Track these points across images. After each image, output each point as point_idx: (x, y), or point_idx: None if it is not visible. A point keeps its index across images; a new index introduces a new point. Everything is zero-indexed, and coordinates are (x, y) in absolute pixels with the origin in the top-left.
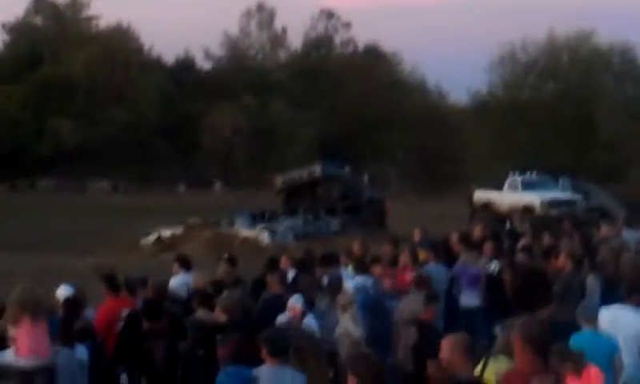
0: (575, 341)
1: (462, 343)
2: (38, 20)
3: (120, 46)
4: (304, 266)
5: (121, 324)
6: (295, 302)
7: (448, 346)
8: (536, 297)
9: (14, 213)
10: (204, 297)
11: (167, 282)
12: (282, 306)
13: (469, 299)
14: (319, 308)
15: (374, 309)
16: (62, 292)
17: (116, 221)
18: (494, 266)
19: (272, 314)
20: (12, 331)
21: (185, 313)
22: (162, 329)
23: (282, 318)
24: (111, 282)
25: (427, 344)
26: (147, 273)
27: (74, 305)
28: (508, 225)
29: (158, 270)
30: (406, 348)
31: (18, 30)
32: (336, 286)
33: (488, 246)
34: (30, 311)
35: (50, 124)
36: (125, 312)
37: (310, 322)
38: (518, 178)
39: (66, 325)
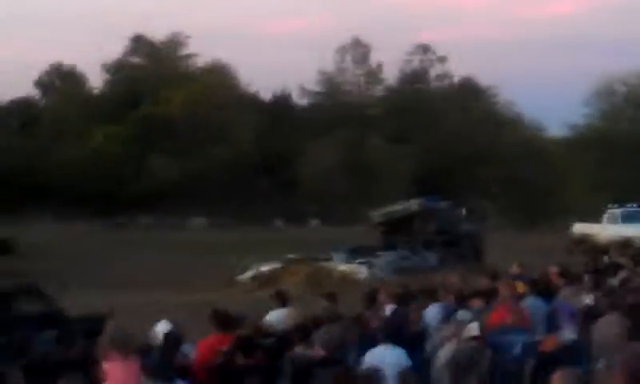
0: None
1: (575, 378)
2: (137, 59)
3: (218, 83)
4: (403, 300)
5: (219, 360)
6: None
7: (562, 380)
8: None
9: (114, 250)
10: (304, 332)
11: (262, 318)
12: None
13: (568, 334)
14: (433, 341)
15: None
16: (161, 328)
17: (214, 257)
18: (589, 300)
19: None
20: (104, 366)
21: (281, 347)
22: (258, 364)
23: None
24: (221, 319)
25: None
26: (244, 309)
27: (173, 340)
28: (607, 258)
29: (256, 306)
30: None
31: (118, 70)
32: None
33: (587, 280)
34: (119, 347)
35: (149, 162)
36: (223, 348)
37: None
38: (618, 211)
39: (165, 360)
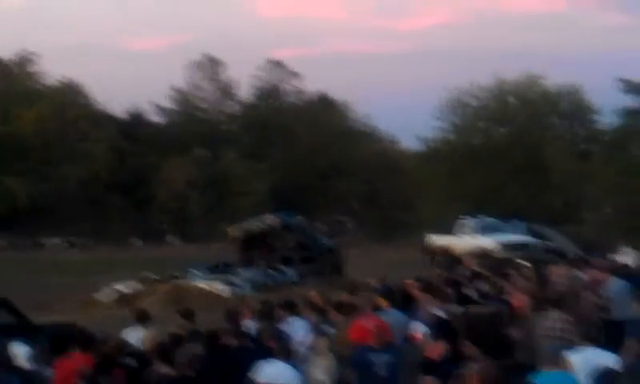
0: (542, 382)
1: None
2: None
3: (69, 101)
4: (265, 316)
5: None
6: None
7: None
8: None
9: None
10: (162, 350)
11: (123, 337)
12: (244, 358)
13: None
14: (300, 357)
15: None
16: (19, 350)
17: (72, 277)
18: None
19: (236, 366)
20: None
21: (142, 366)
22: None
23: None
24: (84, 338)
25: None
26: (104, 328)
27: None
28: (462, 268)
29: (115, 326)
30: None
31: None
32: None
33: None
34: None
35: (1, 182)
36: (83, 368)
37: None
38: (472, 222)
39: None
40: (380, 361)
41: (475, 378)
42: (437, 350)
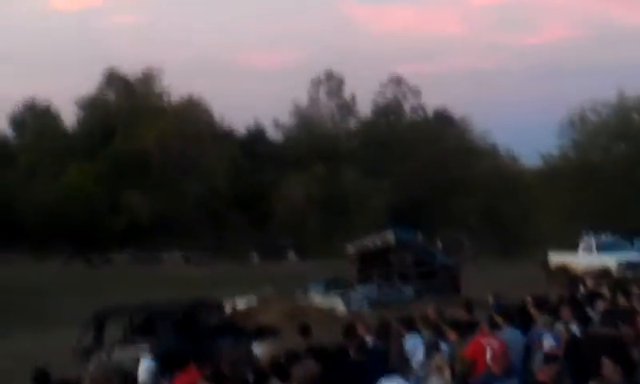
0: None
1: None
2: (110, 95)
3: (191, 118)
4: (382, 333)
5: None
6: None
7: None
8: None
9: (89, 288)
10: (278, 366)
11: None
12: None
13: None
14: (417, 374)
15: None
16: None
17: (189, 292)
18: (575, 330)
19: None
20: None
21: (258, 381)
22: None
23: None
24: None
25: None
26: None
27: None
28: (582, 288)
29: None
30: None
31: (91, 106)
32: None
33: (565, 311)
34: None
35: (123, 198)
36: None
37: None
38: (593, 240)
39: None
40: None
41: None
42: (548, 372)
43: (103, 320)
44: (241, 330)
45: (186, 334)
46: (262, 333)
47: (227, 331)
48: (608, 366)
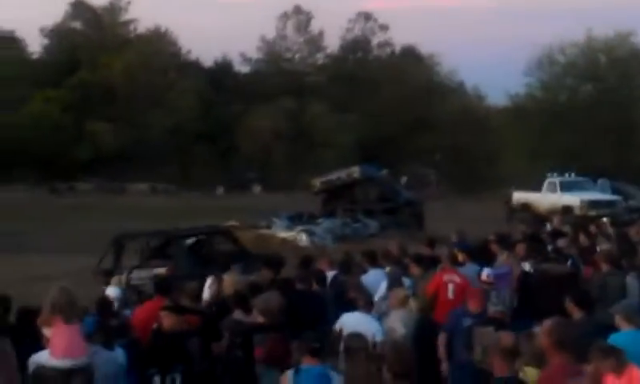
0: (616, 341)
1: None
2: (77, 24)
3: (158, 49)
4: (344, 267)
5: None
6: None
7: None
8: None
9: (53, 215)
10: (240, 298)
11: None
12: (320, 304)
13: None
14: (380, 308)
15: None
16: (110, 292)
17: (155, 223)
18: (529, 267)
19: (310, 311)
20: (46, 332)
21: (221, 313)
22: (193, 330)
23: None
24: (162, 284)
25: None
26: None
27: (105, 305)
28: (549, 226)
29: None
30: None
31: (57, 35)
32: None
33: (521, 247)
34: (62, 313)
35: (89, 128)
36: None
37: (348, 319)
38: (557, 180)
39: (101, 326)
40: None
41: (547, 334)
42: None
43: (122, 244)
44: (253, 257)
45: (200, 258)
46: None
47: (239, 257)
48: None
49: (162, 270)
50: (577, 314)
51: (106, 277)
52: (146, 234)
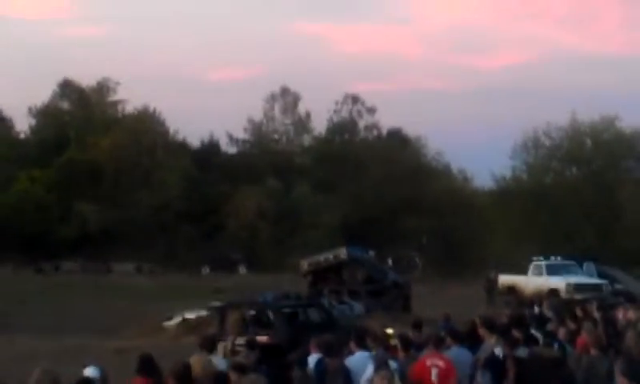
0: None
1: None
2: (65, 104)
3: (146, 129)
4: (328, 349)
5: None
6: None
7: None
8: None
9: (39, 295)
10: (224, 381)
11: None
12: None
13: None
14: None
15: None
16: (89, 373)
17: (140, 303)
18: (498, 352)
19: None
20: None
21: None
22: None
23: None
24: (145, 364)
25: None
26: (170, 355)
27: None
28: (536, 309)
29: (181, 353)
30: None
31: (45, 114)
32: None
33: (517, 332)
34: None
35: (75, 207)
36: None
37: None
38: (543, 263)
39: None
40: None
41: None
42: None
43: (224, 312)
44: (342, 327)
45: (296, 327)
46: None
47: (330, 327)
48: None
49: (263, 338)
50: None
51: (210, 345)
52: (247, 304)
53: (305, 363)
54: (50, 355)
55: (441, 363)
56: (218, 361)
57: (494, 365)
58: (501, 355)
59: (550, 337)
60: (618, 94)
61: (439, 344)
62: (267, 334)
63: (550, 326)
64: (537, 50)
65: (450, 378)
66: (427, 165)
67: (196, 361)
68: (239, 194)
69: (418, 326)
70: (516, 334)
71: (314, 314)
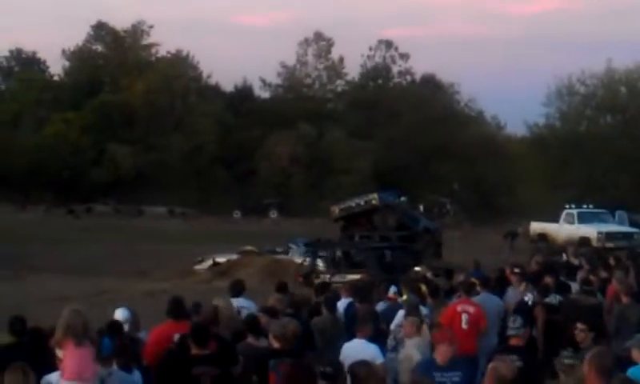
0: (634, 375)
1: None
2: (99, 46)
3: (179, 73)
4: (359, 294)
5: (171, 347)
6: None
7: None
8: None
9: (71, 237)
10: (254, 323)
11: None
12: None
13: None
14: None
15: None
16: (119, 315)
17: (172, 246)
18: (528, 298)
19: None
20: (59, 354)
21: (235, 338)
22: (211, 355)
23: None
24: (176, 307)
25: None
26: (201, 298)
27: (115, 328)
28: (564, 257)
29: (212, 296)
30: None
31: (79, 57)
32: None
33: (549, 280)
34: (74, 335)
35: (108, 150)
36: (177, 337)
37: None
38: (575, 211)
39: (119, 348)
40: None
41: (591, 364)
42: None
43: (317, 250)
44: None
45: (385, 266)
46: (238, 288)
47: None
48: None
49: (355, 276)
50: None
51: (306, 279)
52: (338, 244)
53: (334, 307)
54: (80, 297)
55: (471, 309)
56: (248, 303)
57: (523, 311)
58: (530, 302)
59: (588, 285)
60: None
61: (470, 290)
62: (359, 273)
63: (580, 274)
64: None
65: (479, 324)
66: (460, 111)
67: (221, 304)
68: (272, 139)
69: (448, 273)
70: (547, 280)
71: (401, 255)
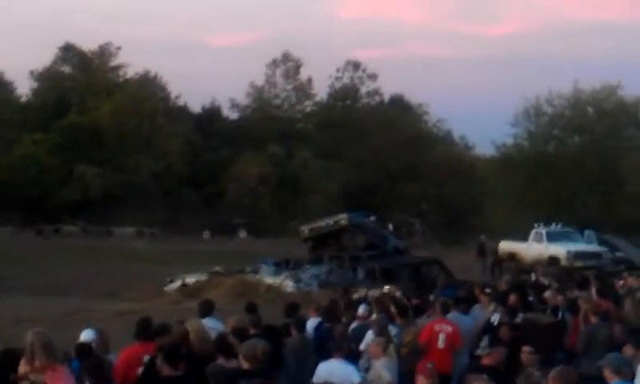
0: None
1: None
2: (66, 68)
3: (147, 94)
4: (329, 314)
5: (140, 369)
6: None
7: None
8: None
9: (39, 257)
10: (224, 344)
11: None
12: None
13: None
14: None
15: None
16: (85, 336)
17: (141, 266)
18: (494, 318)
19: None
20: (38, 378)
21: (206, 360)
22: (181, 376)
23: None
24: (144, 328)
25: None
26: (170, 319)
27: (84, 349)
28: (533, 277)
29: (181, 316)
30: None
31: (46, 78)
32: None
33: (513, 298)
34: (56, 356)
35: (77, 171)
36: (146, 357)
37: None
38: (543, 230)
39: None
40: None
41: (555, 380)
42: (495, 356)
43: (356, 266)
44: (460, 283)
45: (419, 282)
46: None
47: (449, 286)
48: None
49: (391, 289)
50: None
51: (345, 293)
52: (376, 259)
53: (303, 327)
54: (49, 318)
55: (449, 328)
56: (215, 323)
57: (490, 331)
58: (495, 322)
59: (544, 303)
60: (621, 62)
61: (446, 309)
62: (394, 286)
63: (547, 294)
64: (539, 18)
65: (456, 343)
66: (428, 132)
67: (193, 326)
68: (241, 159)
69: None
70: (513, 300)
71: (434, 271)
